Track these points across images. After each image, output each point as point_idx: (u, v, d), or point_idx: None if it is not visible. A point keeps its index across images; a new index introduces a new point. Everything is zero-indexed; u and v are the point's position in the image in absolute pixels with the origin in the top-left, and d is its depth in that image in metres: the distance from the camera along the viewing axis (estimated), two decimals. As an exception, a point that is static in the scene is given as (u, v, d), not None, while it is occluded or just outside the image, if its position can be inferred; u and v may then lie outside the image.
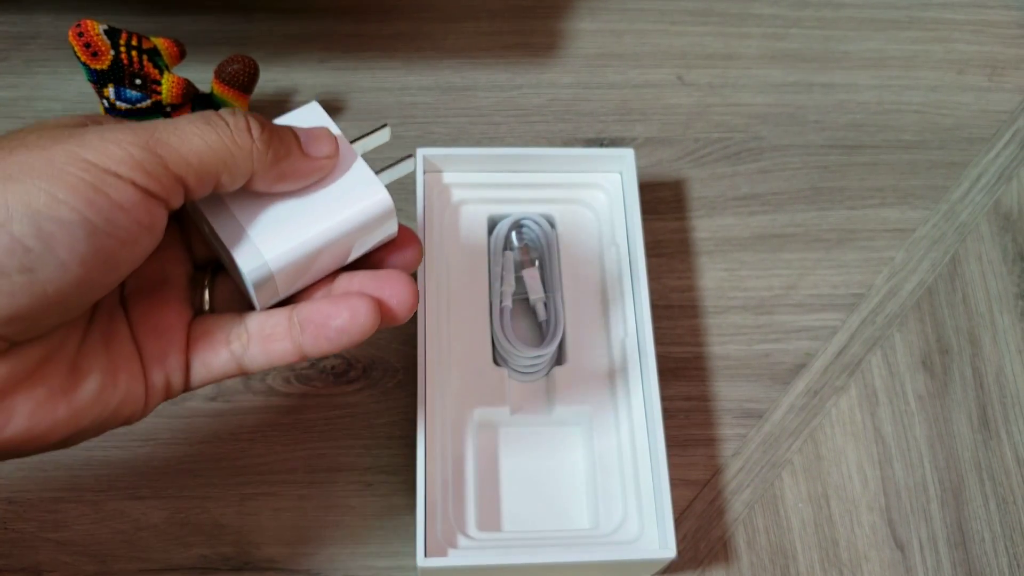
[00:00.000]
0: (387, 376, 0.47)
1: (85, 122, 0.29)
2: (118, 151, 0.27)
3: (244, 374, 0.34)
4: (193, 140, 0.28)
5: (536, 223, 0.47)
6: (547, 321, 0.46)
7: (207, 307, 0.34)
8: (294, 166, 0.30)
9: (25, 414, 0.29)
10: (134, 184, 0.27)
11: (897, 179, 0.54)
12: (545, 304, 0.46)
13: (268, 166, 0.30)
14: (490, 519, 0.43)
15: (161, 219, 0.28)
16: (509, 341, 0.44)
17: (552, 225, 0.48)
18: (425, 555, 0.39)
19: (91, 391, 0.30)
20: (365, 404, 0.46)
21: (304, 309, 0.32)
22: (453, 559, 0.40)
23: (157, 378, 0.32)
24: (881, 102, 0.56)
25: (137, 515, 0.43)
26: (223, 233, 0.31)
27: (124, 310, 0.32)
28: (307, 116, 0.33)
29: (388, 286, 0.32)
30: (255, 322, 0.33)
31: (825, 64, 0.57)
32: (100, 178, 0.26)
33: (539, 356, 0.44)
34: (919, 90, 0.57)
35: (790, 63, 0.57)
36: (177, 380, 0.32)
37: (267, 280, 0.31)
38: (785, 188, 0.53)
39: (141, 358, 0.32)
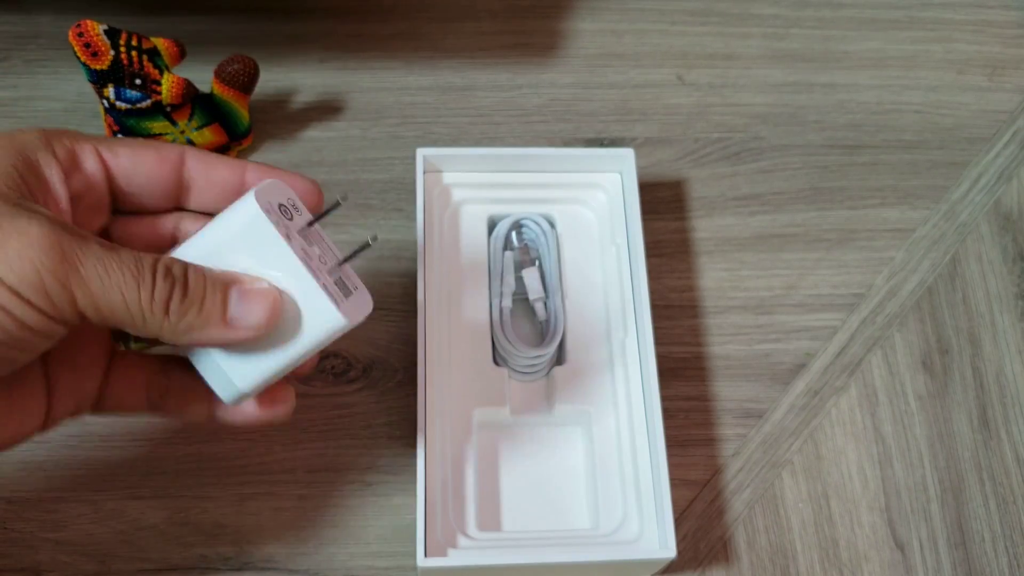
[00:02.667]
0: (387, 376, 0.47)
1: (15, 167, 0.28)
2: (32, 276, 0.26)
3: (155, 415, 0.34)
4: (112, 293, 0.27)
5: (536, 223, 0.47)
6: (547, 321, 0.46)
7: (132, 343, 0.34)
8: (208, 337, 0.29)
9: None
10: (39, 310, 0.27)
11: (897, 179, 0.54)
12: (545, 304, 0.46)
13: (178, 337, 0.29)
14: (490, 519, 0.43)
15: (61, 331, 0.28)
16: (509, 341, 0.44)
17: (552, 225, 0.48)
18: (425, 555, 0.39)
19: None
20: (365, 404, 0.46)
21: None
22: (453, 559, 0.40)
23: (63, 406, 0.32)
24: (881, 102, 0.56)
25: (137, 515, 0.43)
26: (194, 358, 0.32)
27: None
28: (277, 193, 0.31)
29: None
30: (176, 378, 0.33)
31: (825, 64, 0.57)
32: (8, 300, 0.26)
33: (539, 356, 0.44)
34: (919, 90, 0.57)
35: (790, 63, 0.57)
36: (86, 407, 0.33)
37: (240, 398, 0.32)
38: (785, 188, 0.53)
39: (49, 390, 0.32)
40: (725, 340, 0.49)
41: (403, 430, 0.45)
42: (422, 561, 0.39)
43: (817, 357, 0.49)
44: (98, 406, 0.33)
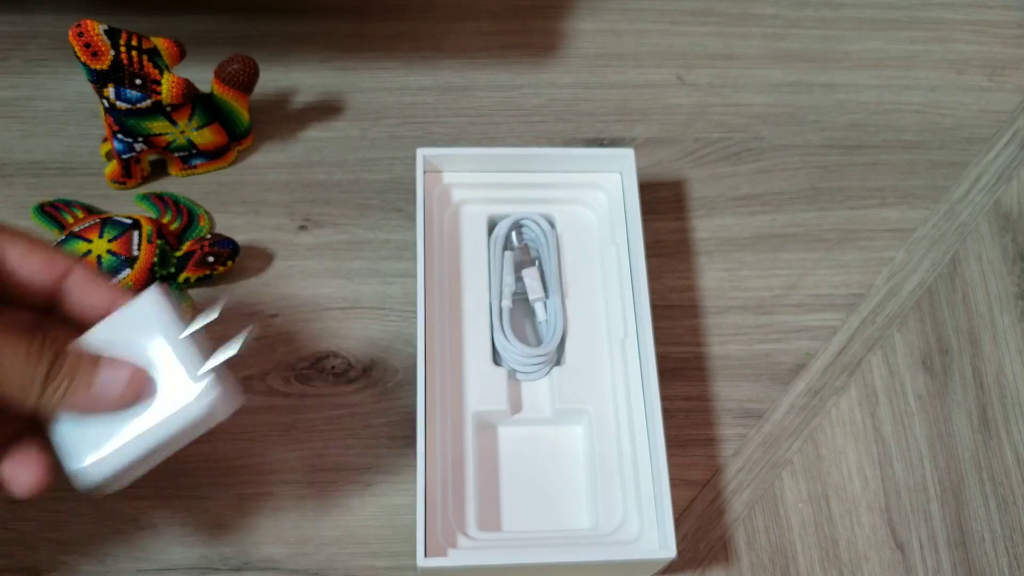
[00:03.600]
0: (387, 376, 0.47)
1: None
2: None
3: None
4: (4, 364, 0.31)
5: (536, 223, 0.47)
6: (546, 321, 0.46)
7: None
8: (80, 406, 0.32)
9: None
10: None
11: (897, 179, 0.54)
12: (544, 304, 0.46)
13: (52, 409, 0.32)
14: (490, 519, 0.43)
15: None
16: (509, 341, 0.44)
17: (552, 225, 0.48)
18: (425, 555, 0.39)
19: None
20: (365, 404, 0.46)
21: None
22: (453, 559, 0.40)
23: None
24: (881, 102, 0.56)
25: (137, 515, 0.43)
26: (53, 435, 0.34)
27: None
28: (146, 311, 0.34)
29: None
30: None
31: (825, 64, 0.57)
32: None
33: (539, 356, 0.44)
34: (919, 90, 0.57)
35: (790, 63, 0.57)
36: None
37: (97, 485, 0.34)
38: (785, 188, 0.53)
39: None
40: (725, 340, 0.49)
41: (403, 430, 0.45)
42: (422, 561, 0.39)
43: (817, 357, 0.49)
44: None
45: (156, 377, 0.33)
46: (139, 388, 0.33)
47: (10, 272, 0.34)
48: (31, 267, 0.34)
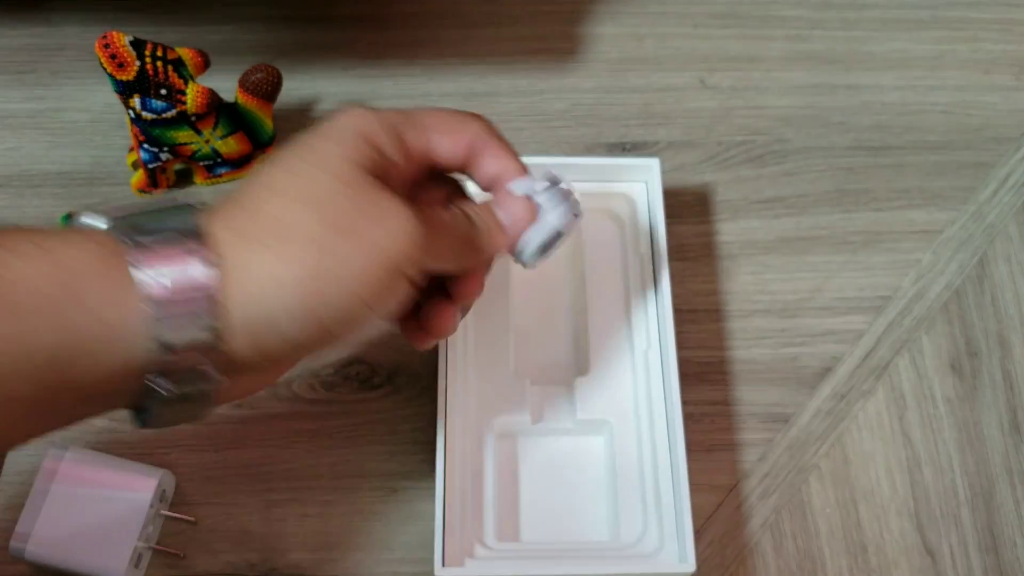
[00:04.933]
0: (411, 382, 0.47)
1: (373, 157, 0.33)
2: (416, 253, 0.32)
3: None
4: (447, 253, 0.35)
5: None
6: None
7: None
8: (500, 246, 0.38)
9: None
10: (409, 280, 0.32)
11: (923, 180, 0.53)
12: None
13: (489, 254, 0.38)
14: (509, 529, 0.43)
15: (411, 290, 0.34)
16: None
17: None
18: (443, 564, 0.39)
19: None
20: (389, 410, 0.46)
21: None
22: (470, 569, 0.40)
23: None
24: (906, 103, 0.55)
25: (163, 521, 0.43)
26: (30, 500, 0.40)
27: None
28: None
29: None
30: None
31: (849, 65, 0.57)
32: (396, 281, 0.32)
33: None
34: (945, 90, 0.56)
35: (814, 65, 0.56)
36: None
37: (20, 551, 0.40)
38: (810, 190, 0.53)
39: None
40: (750, 344, 0.48)
41: (428, 436, 0.45)
42: (439, 571, 0.39)
43: (843, 360, 0.48)
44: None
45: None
46: (529, 206, 0.37)
47: (435, 152, 0.36)
48: (445, 144, 0.36)
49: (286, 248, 0.30)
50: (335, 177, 0.31)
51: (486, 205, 0.37)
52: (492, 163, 0.37)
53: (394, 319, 0.37)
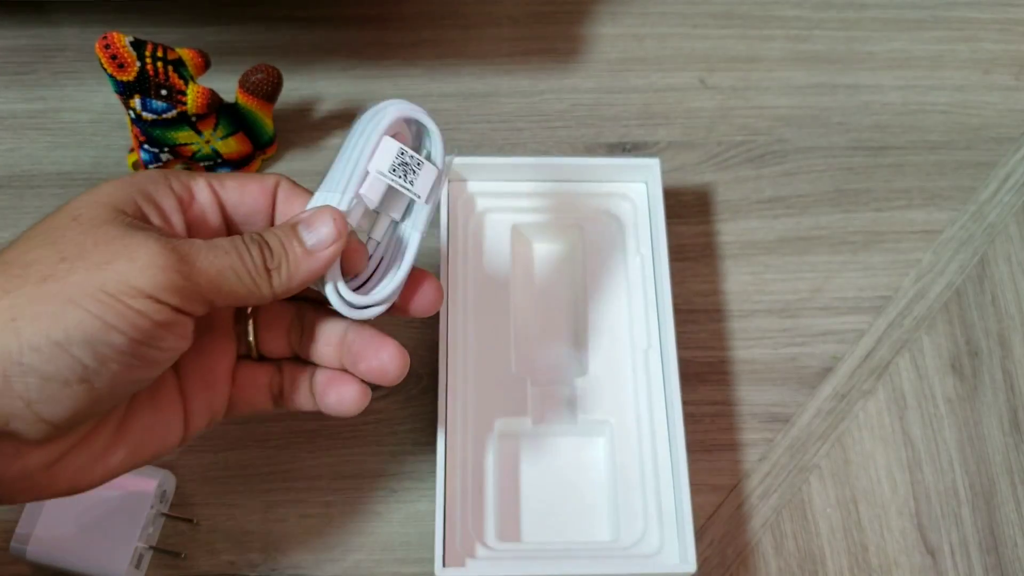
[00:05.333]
0: (411, 382, 0.47)
1: (123, 211, 0.32)
2: (163, 279, 0.30)
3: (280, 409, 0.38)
4: (226, 274, 0.32)
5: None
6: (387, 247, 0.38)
7: (252, 340, 0.37)
8: (306, 274, 0.33)
9: (68, 477, 0.32)
10: (173, 308, 0.30)
11: (923, 180, 0.53)
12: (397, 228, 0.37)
13: (288, 288, 0.33)
14: (509, 529, 0.43)
15: (192, 326, 0.32)
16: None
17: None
18: (444, 565, 0.39)
19: (125, 453, 0.33)
20: (390, 410, 0.46)
21: (318, 376, 0.37)
22: (471, 569, 0.40)
23: (199, 417, 0.36)
24: (906, 103, 0.55)
25: (164, 522, 0.43)
26: (29, 504, 0.40)
27: (175, 366, 0.35)
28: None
29: (379, 353, 0.37)
30: (287, 373, 0.38)
31: (849, 65, 0.57)
32: (144, 304, 0.30)
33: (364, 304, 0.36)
34: (945, 90, 0.56)
35: (814, 65, 0.56)
36: (219, 414, 0.37)
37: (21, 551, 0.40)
38: (810, 190, 0.53)
39: (184, 404, 0.35)
40: (750, 344, 0.48)
41: (428, 436, 0.45)
42: (440, 571, 0.39)
43: (844, 360, 0.48)
44: (229, 412, 0.37)
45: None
46: (342, 222, 0.34)
47: (233, 209, 0.36)
48: (249, 198, 0.36)
49: (19, 286, 0.29)
50: (74, 219, 0.31)
51: (287, 223, 0.34)
52: (297, 202, 0.35)
53: (178, 346, 0.32)
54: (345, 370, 0.37)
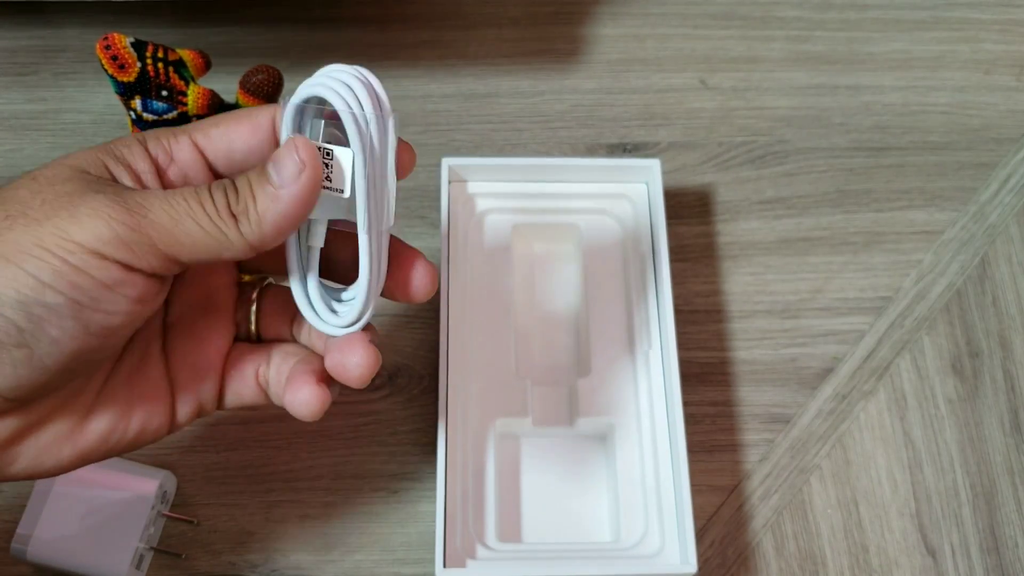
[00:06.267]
0: (412, 383, 0.47)
1: (86, 171, 0.29)
2: (106, 231, 0.27)
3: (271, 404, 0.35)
4: (184, 223, 0.28)
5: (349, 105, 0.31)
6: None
7: (253, 328, 0.35)
8: (278, 217, 0.30)
9: (29, 457, 0.30)
10: (120, 263, 0.28)
11: (924, 181, 0.53)
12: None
13: (255, 238, 0.30)
14: (510, 530, 0.43)
15: (155, 288, 0.29)
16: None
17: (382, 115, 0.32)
18: (444, 566, 0.39)
19: (98, 432, 0.31)
20: (390, 411, 0.46)
21: (293, 369, 0.33)
22: (472, 570, 0.40)
23: (186, 406, 0.33)
24: (907, 103, 0.55)
25: (165, 522, 0.43)
26: (32, 502, 0.40)
27: (164, 340, 0.33)
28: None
29: (348, 352, 0.32)
30: (275, 364, 0.34)
31: (850, 66, 0.57)
32: (84, 260, 0.27)
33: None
34: (946, 91, 0.56)
35: (814, 65, 0.57)
36: (209, 405, 0.34)
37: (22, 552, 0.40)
38: (810, 191, 0.53)
39: (172, 389, 0.33)
40: (751, 344, 0.48)
41: (429, 437, 0.45)
42: (440, 572, 0.39)
43: (845, 361, 0.48)
44: (221, 404, 0.34)
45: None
46: (312, 153, 0.30)
47: (226, 158, 0.32)
48: (239, 141, 0.32)
49: None
50: (32, 179, 0.29)
51: (261, 164, 0.30)
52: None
53: (140, 305, 0.29)
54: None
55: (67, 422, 0.30)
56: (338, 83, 0.30)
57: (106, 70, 0.45)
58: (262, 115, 0.32)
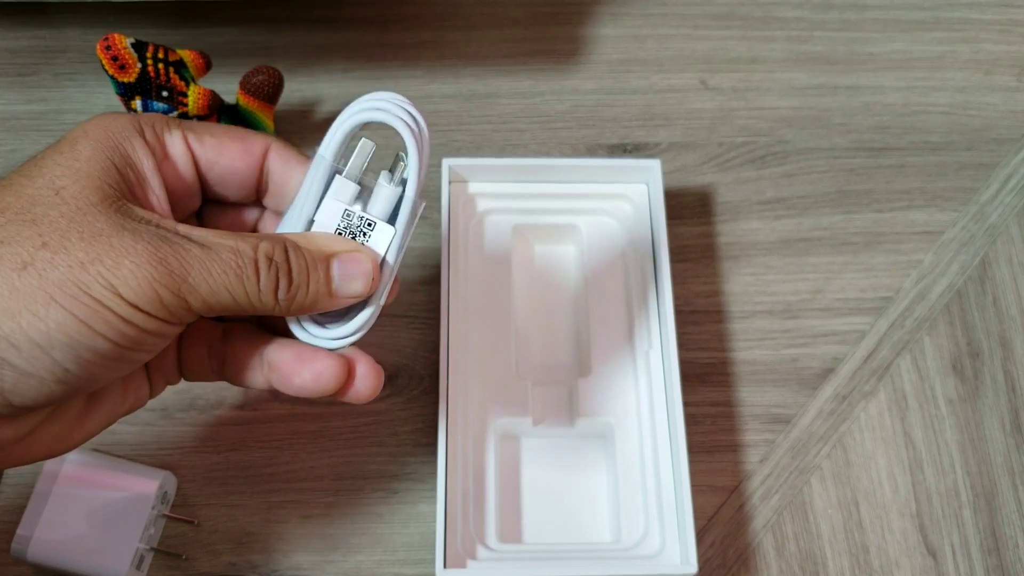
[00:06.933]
0: (412, 383, 0.47)
1: (115, 167, 0.30)
2: (150, 292, 0.28)
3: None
4: (220, 294, 0.29)
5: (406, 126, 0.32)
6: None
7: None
8: (317, 310, 0.31)
9: (44, 443, 0.31)
10: (158, 319, 0.28)
11: (925, 181, 0.53)
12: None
13: (289, 314, 0.31)
14: (511, 531, 0.43)
15: (179, 330, 0.30)
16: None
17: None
18: (444, 566, 0.39)
19: (104, 414, 0.32)
20: (391, 411, 0.46)
21: (276, 352, 0.33)
22: (472, 571, 0.40)
23: (159, 381, 0.34)
24: (907, 104, 0.55)
25: (165, 522, 0.43)
26: (32, 502, 0.40)
27: None
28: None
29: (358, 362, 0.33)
30: (232, 347, 0.34)
31: (850, 66, 0.57)
32: (130, 314, 0.28)
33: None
34: (946, 91, 0.56)
35: (814, 66, 0.57)
36: (174, 379, 0.35)
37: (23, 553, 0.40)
38: (811, 191, 0.53)
39: (148, 370, 0.34)
40: (751, 345, 0.48)
41: (429, 437, 0.45)
42: (441, 572, 0.39)
43: (845, 362, 0.48)
44: (182, 376, 0.35)
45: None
46: (378, 276, 0.31)
47: (208, 167, 0.32)
48: (227, 158, 0.32)
49: (1, 271, 0.27)
50: (56, 192, 0.29)
51: (323, 253, 0.31)
52: (293, 172, 0.33)
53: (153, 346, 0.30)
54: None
55: (76, 409, 0.31)
56: (400, 110, 0.31)
57: (107, 71, 0.45)
58: (257, 143, 0.33)
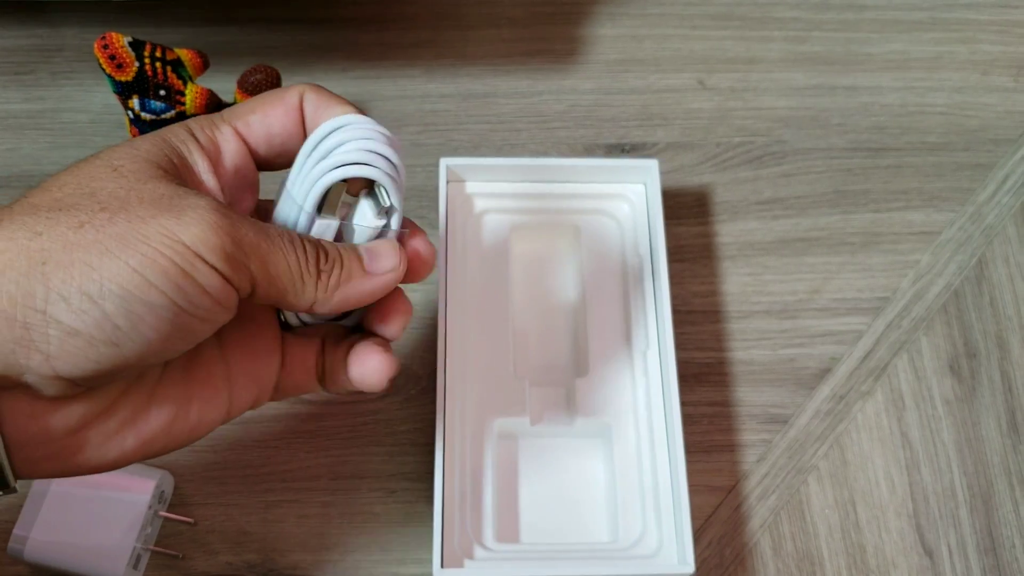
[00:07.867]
0: (410, 383, 0.47)
1: (171, 158, 0.30)
2: (214, 239, 0.27)
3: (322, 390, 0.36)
4: (277, 257, 0.29)
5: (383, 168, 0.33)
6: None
7: (295, 320, 0.35)
8: (355, 291, 0.32)
9: (95, 445, 0.30)
10: (219, 272, 0.28)
11: (922, 181, 0.53)
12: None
13: (329, 298, 0.31)
14: (508, 530, 0.43)
15: (236, 301, 0.29)
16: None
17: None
18: (441, 566, 0.39)
19: (160, 420, 0.31)
20: (388, 411, 0.46)
21: (357, 345, 0.34)
22: (469, 570, 0.40)
23: (245, 396, 0.33)
24: (905, 104, 0.56)
25: (162, 522, 0.43)
26: (29, 502, 0.40)
27: (217, 332, 0.33)
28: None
29: (366, 357, 0.34)
30: (328, 348, 0.35)
31: (848, 66, 0.57)
32: (191, 263, 0.27)
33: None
34: (943, 92, 0.56)
35: (812, 66, 0.57)
36: (266, 395, 0.34)
37: (19, 552, 0.40)
38: (808, 192, 0.53)
39: (228, 375, 0.33)
40: (749, 345, 0.48)
41: (427, 437, 0.46)
42: (438, 572, 0.39)
43: (842, 362, 0.48)
44: (276, 393, 0.35)
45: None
46: (404, 254, 0.32)
47: (266, 145, 0.32)
48: (277, 125, 0.32)
49: (51, 227, 0.26)
50: (114, 169, 0.28)
51: (346, 244, 0.32)
52: (340, 110, 0.33)
53: (212, 316, 0.29)
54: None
55: (130, 408, 0.30)
56: (376, 157, 0.32)
57: (104, 69, 0.45)
58: (292, 97, 0.33)
